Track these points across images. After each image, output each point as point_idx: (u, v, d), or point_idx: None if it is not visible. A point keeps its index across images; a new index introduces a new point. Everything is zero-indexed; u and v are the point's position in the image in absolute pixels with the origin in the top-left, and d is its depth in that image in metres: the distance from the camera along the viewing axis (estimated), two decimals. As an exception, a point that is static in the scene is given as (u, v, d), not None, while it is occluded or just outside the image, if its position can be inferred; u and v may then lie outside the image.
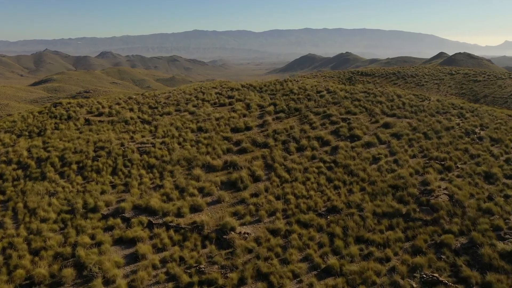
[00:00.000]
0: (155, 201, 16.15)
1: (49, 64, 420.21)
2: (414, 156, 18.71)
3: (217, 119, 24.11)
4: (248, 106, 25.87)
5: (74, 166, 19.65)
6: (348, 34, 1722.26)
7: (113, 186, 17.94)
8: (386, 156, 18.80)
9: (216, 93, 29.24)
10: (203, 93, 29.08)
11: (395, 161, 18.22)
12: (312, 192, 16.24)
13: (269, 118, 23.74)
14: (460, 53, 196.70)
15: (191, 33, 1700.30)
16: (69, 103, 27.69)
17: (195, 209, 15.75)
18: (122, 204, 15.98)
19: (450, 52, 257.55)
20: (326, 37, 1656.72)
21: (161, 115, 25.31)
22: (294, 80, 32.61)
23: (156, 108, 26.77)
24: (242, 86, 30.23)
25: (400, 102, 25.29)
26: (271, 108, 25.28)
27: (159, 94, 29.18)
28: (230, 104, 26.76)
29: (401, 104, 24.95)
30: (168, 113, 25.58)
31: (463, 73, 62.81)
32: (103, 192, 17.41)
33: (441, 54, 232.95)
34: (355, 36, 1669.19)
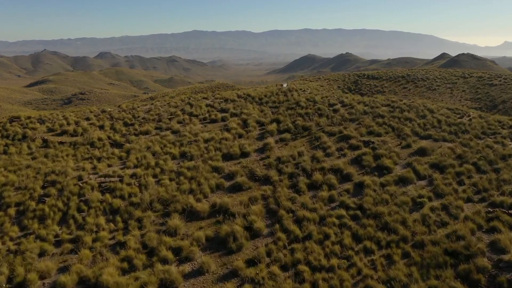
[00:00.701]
0: (110, 272, 11.25)
1: (47, 64, 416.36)
2: (469, 200, 13.83)
3: (206, 141, 19.20)
4: (245, 123, 21.00)
5: (12, 211, 14.77)
6: (348, 34, 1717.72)
7: (58, 243, 13.07)
8: (430, 199, 13.92)
9: (207, 105, 24.34)
10: (191, 106, 24.19)
11: (445, 208, 13.34)
12: (334, 260, 11.35)
13: (271, 140, 18.84)
14: (463, 54, 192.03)
15: (191, 34, 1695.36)
16: (29, 117, 22.79)
17: (166, 286, 10.89)
18: (62, 278, 11.09)
19: (450, 52, 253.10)
20: (326, 37, 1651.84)
21: (137, 135, 20.39)
22: (300, 89, 27.68)
23: (132, 125, 21.86)
24: (239, 96, 25.38)
25: (434, 119, 20.37)
26: (273, 126, 20.35)
27: (138, 107, 24.28)
28: (223, 119, 21.85)
29: (436, 122, 20.04)
30: (146, 132, 20.68)
31: (476, 77, 58.32)
32: (42, 254, 12.54)
33: (443, 55, 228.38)
34: (355, 36, 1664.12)
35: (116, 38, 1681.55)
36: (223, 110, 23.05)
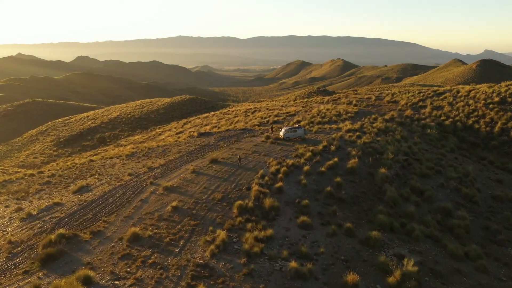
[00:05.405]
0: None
1: (16, 69, 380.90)
2: None
3: None
4: None
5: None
6: (333, 41, 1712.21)
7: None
8: None
9: None
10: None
11: None
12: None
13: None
14: (487, 60, 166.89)
15: (176, 39, 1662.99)
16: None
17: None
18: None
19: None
20: (312, 44, 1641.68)
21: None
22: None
23: None
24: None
25: None
26: None
27: None
28: None
29: None
30: None
31: None
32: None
33: (456, 61, 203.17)
34: (340, 43, 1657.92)
35: (99, 42, 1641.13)
36: None
